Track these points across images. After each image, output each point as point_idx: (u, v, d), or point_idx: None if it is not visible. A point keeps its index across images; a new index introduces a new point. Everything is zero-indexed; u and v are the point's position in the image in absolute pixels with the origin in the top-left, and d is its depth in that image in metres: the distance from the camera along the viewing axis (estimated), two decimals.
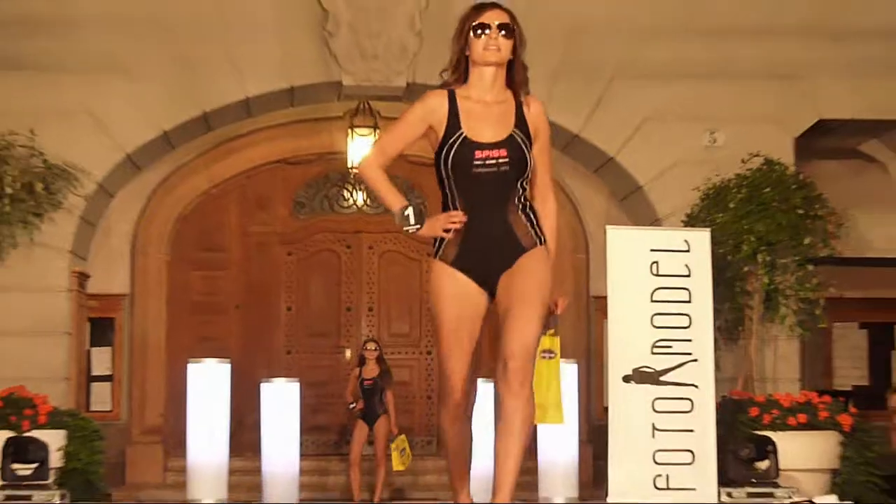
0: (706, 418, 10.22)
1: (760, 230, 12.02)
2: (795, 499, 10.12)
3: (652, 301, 9.72)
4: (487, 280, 4.73)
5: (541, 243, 4.78)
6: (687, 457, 10.22)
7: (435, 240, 4.76)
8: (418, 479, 13.63)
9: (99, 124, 12.84)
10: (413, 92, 13.31)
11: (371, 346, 13.25)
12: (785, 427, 11.18)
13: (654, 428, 9.68)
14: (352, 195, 15.48)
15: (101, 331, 14.15)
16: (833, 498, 9.99)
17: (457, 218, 4.62)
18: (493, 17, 4.61)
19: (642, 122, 12.83)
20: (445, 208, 4.75)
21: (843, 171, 13.99)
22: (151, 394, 14.31)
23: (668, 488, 10.40)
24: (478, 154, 4.58)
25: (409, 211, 4.59)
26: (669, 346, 9.71)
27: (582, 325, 14.98)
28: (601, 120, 12.87)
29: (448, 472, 5.19)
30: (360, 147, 14.05)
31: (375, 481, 12.93)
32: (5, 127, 12.28)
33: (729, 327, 11.86)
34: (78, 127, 12.66)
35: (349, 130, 14.06)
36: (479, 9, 4.64)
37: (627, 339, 9.74)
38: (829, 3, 12.76)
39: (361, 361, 13.22)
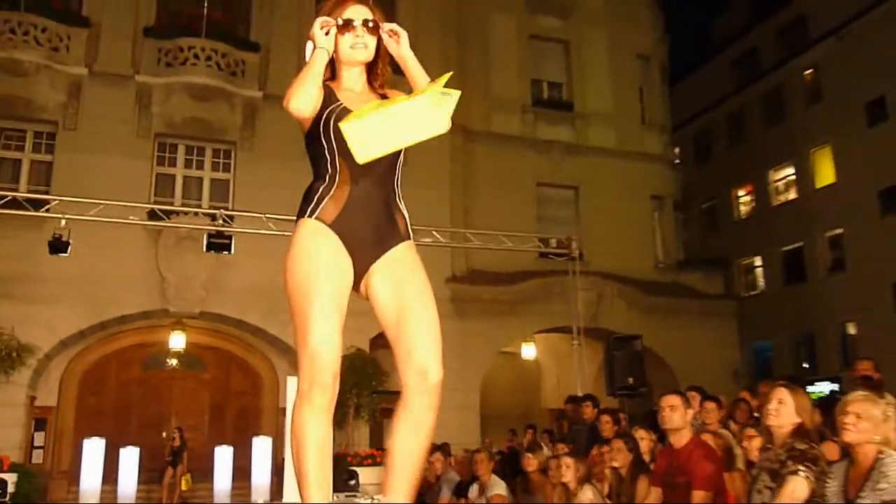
0: None
1: (357, 380, 12.83)
2: (376, 497, 9.94)
3: None
4: (360, 254, 2.38)
5: (410, 238, 2.46)
6: None
7: (307, 196, 2.39)
8: (195, 493, 13.73)
9: (47, 326, 13.05)
10: (205, 316, 13.82)
11: (176, 432, 13.63)
12: (363, 465, 11.85)
13: None
14: (170, 362, 15.08)
15: (40, 424, 13.96)
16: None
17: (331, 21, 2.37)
18: (357, 13, 2.44)
19: None
20: (322, 182, 2.39)
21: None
22: (64, 455, 14.00)
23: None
24: None
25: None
26: None
27: None
28: None
29: (303, 480, 2.24)
30: (176, 340, 14.13)
31: (173, 495, 13.12)
32: None
33: (339, 421, 11.92)
34: (36, 327, 12.80)
35: (171, 332, 14.39)
36: (340, 3, 2.45)
37: None
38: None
39: (172, 438, 13.55)
